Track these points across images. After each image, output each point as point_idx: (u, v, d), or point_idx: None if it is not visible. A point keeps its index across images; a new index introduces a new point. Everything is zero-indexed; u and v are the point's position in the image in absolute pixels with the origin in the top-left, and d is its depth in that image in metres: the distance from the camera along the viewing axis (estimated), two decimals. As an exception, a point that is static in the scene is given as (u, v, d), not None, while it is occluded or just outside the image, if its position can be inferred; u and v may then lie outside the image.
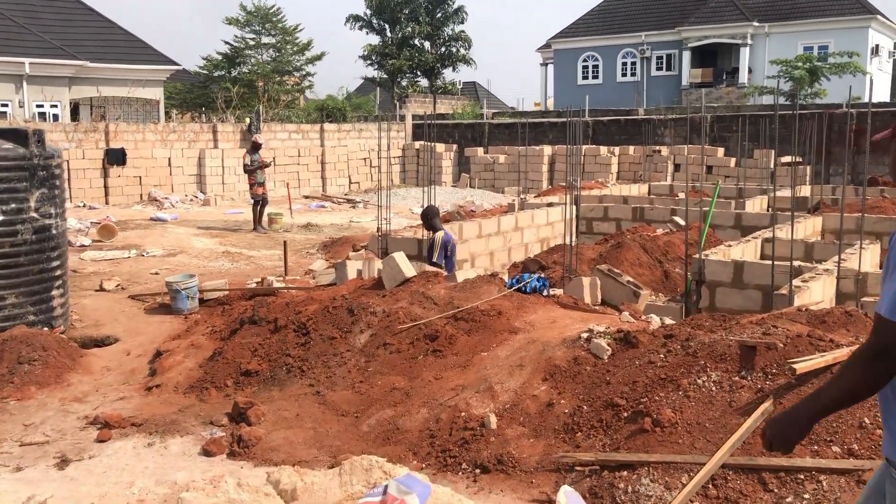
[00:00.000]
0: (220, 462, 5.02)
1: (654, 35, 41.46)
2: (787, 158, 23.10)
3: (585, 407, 4.71)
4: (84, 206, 19.92)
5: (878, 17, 37.54)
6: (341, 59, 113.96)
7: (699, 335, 4.84)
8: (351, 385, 5.74)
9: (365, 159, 27.50)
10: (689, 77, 40.32)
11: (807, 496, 3.62)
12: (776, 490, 3.69)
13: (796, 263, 7.90)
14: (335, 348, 6.17)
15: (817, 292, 7.15)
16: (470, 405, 5.05)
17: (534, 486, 4.30)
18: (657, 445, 4.12)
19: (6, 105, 26.82)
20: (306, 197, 24.22)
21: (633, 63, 42.68)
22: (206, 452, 5.17)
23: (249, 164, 16.11)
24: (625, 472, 4.02)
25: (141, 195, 21.62)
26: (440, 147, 27.77)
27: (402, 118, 30.15)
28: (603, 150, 24.79)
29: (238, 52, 40.13)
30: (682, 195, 18.40)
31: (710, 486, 3.76)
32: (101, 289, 10.08)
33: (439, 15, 43.86)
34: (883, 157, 22.15)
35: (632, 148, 25.05)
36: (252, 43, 40.38)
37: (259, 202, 16.14)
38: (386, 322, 6.24)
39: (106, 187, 20.98)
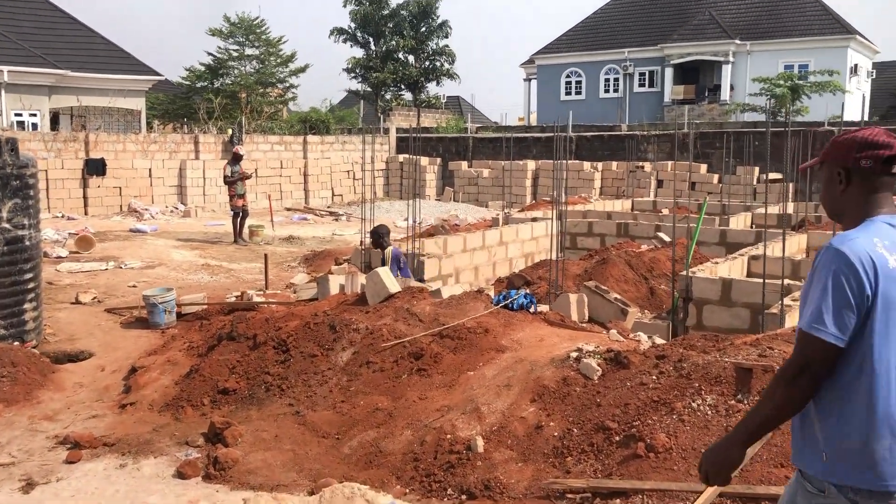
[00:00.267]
0: (195, 485, 4.82)
1: (636, 51, 41.71)
2: (771, 175, 23.22)
3: (575, 430, 4.56)
4: (62, 216, 19.59)
5: (857, 37, 37.98)
6: (325, 71, 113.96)
7: (692, 356, 4.71)
8: (332, 405, 5.56)
9: (348, 172, 27.34)
10: (672, 94, 40.56)
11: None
12: (774, 519, 3.55)
13: (785, 282, 7.81)
14: (316, 366, 5.99)
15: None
16: (456, 427, 4.89)
17: (522, 513, 4.13)
18: (651, 472, 3.97)
19: (-17, 114, 26.46)
20: (288, 209, 24.00)
21: (616, 79, 42.90)
22: (181, 475, 4.96)
23: (230, 175, 15.89)
24: (618, 500, 3.87)
25: (121, 206, 21.31)
26: (424, 160, 27.66)
27: (386, 131, 30.05)
28: (586, 165, 24.78)
29: (221, 64, 39.90)
30: (666, 211, 18.37)
31: (707, 514, 3.61)
32: (77, 301, 9.82)
33: (423, 29, 43.90)
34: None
35: (615, 163, 25.08)
36: (235, 54, 40.18)
37: (239, 214, 15.91)
38: (369, 339, 6.06)
39: (85, 198, 20.67)
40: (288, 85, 42.36)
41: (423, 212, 21.71)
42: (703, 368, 4.46)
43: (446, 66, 44.39)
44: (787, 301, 6.70)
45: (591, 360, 5.03)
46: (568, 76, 44.21)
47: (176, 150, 22.90)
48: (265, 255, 11.59)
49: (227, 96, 36.51)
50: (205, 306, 9.07)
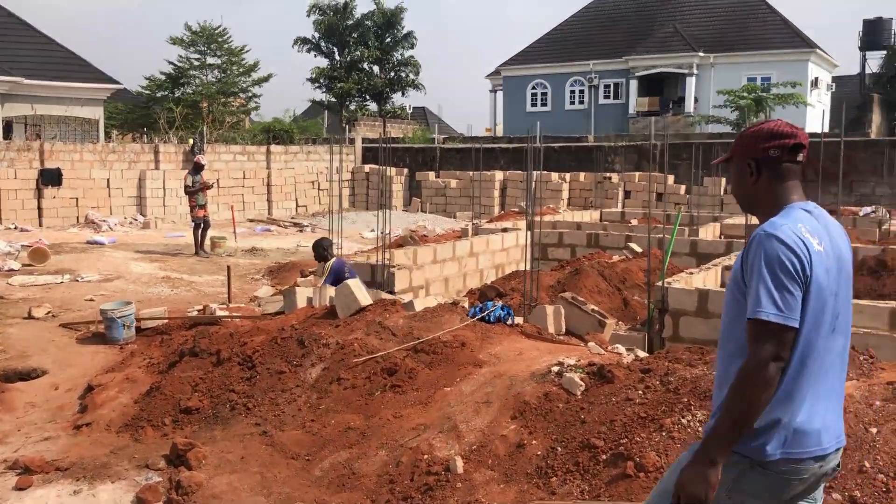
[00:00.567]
0: (155, 513, 4.50)
1: (601, 63, 41.98)
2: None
3: (560, 448, 4.34)
4: (15, 228, 18.97)
5: (817, 51, 38.62)
6: (289, 81, 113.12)
7: (679, 370, 4.53)
8: (301, 424, 5.28)
9: (313, 182, 26.97)
10: (637, 105, 40.85)
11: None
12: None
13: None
14: (284, 383, 5.70)
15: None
16: (433, 446, 4.64)
17: (506, 539, 3.90)
18: (642, 492, 3.76)
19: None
20: (251, 220, 23.57)
21: (582, 91, 43.12)
22: (141, 501, 4.65)
23: (191, 185, 15.50)
24: (608, 524, 3.65)
25: (77, 217, 20.72)
26: (391, 171, 27.40)
27: (352, 141, 29.75)
28: (554, 176, 24.74)
29: (182, 73, 39.24)
30: (635, 222, 18.35)
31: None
32: (30, 316, 9.38)
33: (388, 39, 43.70)
34: (830, 186, 22.51)
35: (582, 174, 25.08)
36: (197, 63, 39.56)
37: (200, 225, 15.51)
38: (340, 355, 5.79)
39: (40, 209, 20.06)
40: (251, 94, 41.84)
41: (391, 222, 21.46)
42: (691, 383, 4.28)
43: (412, 76, 44.25)
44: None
45: (574, 375, 4.83)
46: (534, 88, 44.35)
47: (135, 160, 22.37)
48: (227, 268, 11.24)
49: (188, 106, 35.90)
50: (166, 320, 8.72)
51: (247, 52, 40.51)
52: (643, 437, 4.04)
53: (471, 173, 25.06)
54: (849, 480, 3.46)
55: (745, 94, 31.24)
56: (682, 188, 23.10)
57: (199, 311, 9.08)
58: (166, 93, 38.43)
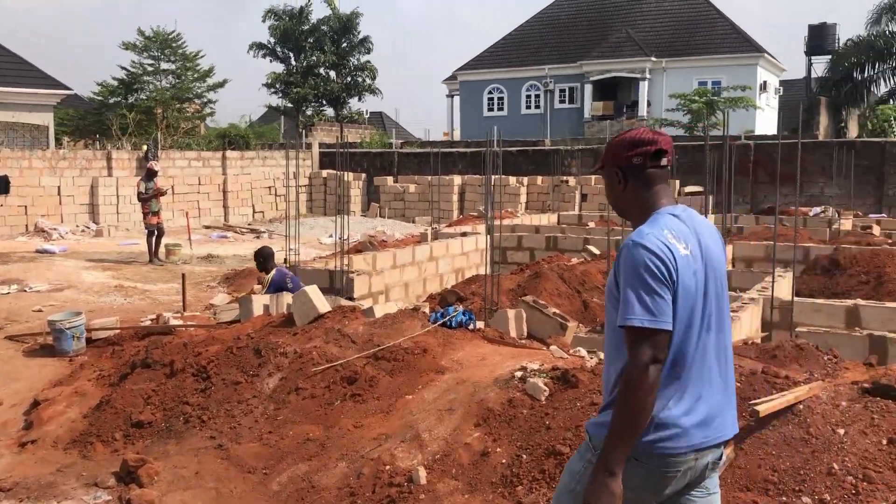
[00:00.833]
0: (105, 533, 4.31)
1: (556, 68, 42.26)
2: (690, 188, 23.63)
3: (525, 456, 4.25)
4: (-40, 237, 18.38)
5: (765, 55, 39.36)
6: (245, 87, 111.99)
7: (643, 373, 4.47)
8: (258, 436, 5.11)
9: (269, 188, 26.62)
10: (591, 110, 41.19)
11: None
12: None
13: (720, 292, 7.73)
14: (240, 394, 5.53)
15: (746, 322, 6.98)
16: (395, 457, 4.52)
17: (471, 550, 3.79)
18: (609, 499, 3.69)
19: None
20: (207, 227, 23.16)
21: (537, 95, 43.35)
22: (89, 521, 4.45)
23: (144, 192, 15.15)
24: (576, 533, 3.56)
25: (27, 226, 20.13)
26: (349, 176, 27.18)
27: (309, 146, 29.44)
28: (512, 180, 24.78)
29: (135, 79, 38.50)
30: (592, 224, 18.42)
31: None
32: (-27, 329, 9.04)
33: (345, 45, 43.43)
34: (780, 187, 22.86)
35: (539, 178, 25.16)
36: (150, 69, 38.85)
37: (154, 233, 15.16)
38: (298, 364, 5.64)
39: (-14, 217, 19.46)
40: (206, 100, 41.22)
41: (350, 228, 21.25)
42: (656, 386, 4.22)
43: (368, 81, 44.00)
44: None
45: (538, 380, 4.75)
46: (490, 92, 44.47)
47: (87, 167, 21.83)
48: (182, 275, 10.99)
49: (141, 112, 35.22)
50: (117, 331, 8.45)
51: (201, 57, 39.94)
52: (609, 443, 3.97)
53: (429, 178, 24.98)
54: (818, 483, 3.43)
55: (697, 98, 31.70)
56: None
57: (152, 320, 8.83)
58: (119, 99, 37.65)
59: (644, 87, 40.25)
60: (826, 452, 3.54)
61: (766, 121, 39.21)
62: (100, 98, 38.01)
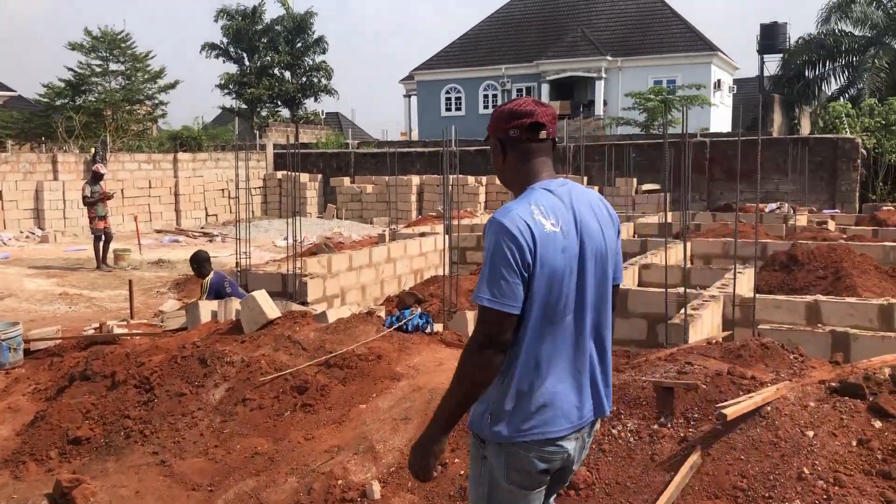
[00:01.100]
0: (35, 562, 4.00)
1: (513, 68, 42.25)
2: (647, 186, 23.73)
3: (484, 466, 4.04)
4: None
5: (719, 54, 39.81)
6: (198, 88, 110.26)
7: (606, 376, 4.30)
8: (204, 451, 4.83)
9: (223, 190, 26.10)
10: (549, 109, 41.20)
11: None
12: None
13: (680, 290, 7.63)
14: (185, 407, 5.24)
15: (707, 320, 6.87)
16: (348, 470, 4.28)
17: (429, 569, 3.58)
18: (572, 511, 3.50)
19: None
20: (159, 231, 22.60)
21: (495, 95, 43.29)
22: (18, 548, 4.14)
23: (89, 195, 14.65)
24: (538, 549, 3.37)
25: (-33, 232, 19.42)
26: (304, 177, 26.80)
27: (263, 147, 28.94)
28: (471, 179, 24.63)
29: (83, 80, 37.49)
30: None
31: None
32: None
33: (299, 45, 42.90)
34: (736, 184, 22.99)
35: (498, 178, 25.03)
36: (99, 70, 37.88)
37: (101, 237, 14.68)
38: (245, 373, 5.36)
39: (-77, 224, 18.70)
40: (157, 102, 40.33)
41: (305, 230, 20.88)
42: (620, 390, 4.05)
43: (324, 81, 43.54)
44: (689, 310, 6.46)
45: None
46: (447, 92, 44.30)
47: (31, 171, 21.13)
48: (130, 282, 10.63)
49: (90, 114, 34.31)
50: (59, 341, 8.08)
51: (152, 58, 39.07)
52: (572, 451, 3.78)
53: (387, 178, 24.72)
54: (788, 489, 3.28)
55: (653, 97, 31.92)
56: (596, 189, 23.32)
57: (95, 329, 8.46)
58: (66, 100, 36.66)
59: (600, 86, 40.43)
60: (796, 456, 3.39)
61: (720, 119, 39.67)
62: (46, 100, 36.95)
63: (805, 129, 34.72)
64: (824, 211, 20.69)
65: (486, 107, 43.43)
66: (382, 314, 6.50)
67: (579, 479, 3.57)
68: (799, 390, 3.71)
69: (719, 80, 40.28)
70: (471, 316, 6.57)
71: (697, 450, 3.50)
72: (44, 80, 39.99)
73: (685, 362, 4.19)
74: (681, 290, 7.61)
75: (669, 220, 18.04)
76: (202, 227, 23.76)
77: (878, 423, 3.50)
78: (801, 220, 16.42)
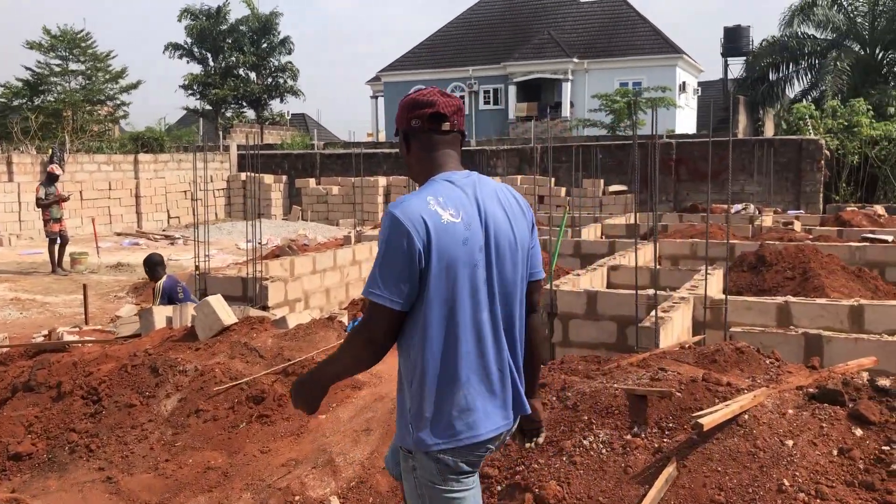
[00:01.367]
0: (-34, 590, 3.72)
1: (480, 69, 42.17)
2: (615, 187, 23.73)
3: (449, 480, 3.83)
4: None
5: (684, 56, 40.10)
6: (162, 89, 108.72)
7: (576, 383, 4.12)
8: (153, 466, 4.56)
9: (185, 192, 25.62)
10: (516, 111, 41.23)
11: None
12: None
13: (650, 291, 7.50)
14: (134, 419, 4.96)
15: (678, 322, 6.74)
16: (305, 485, 4.05)
17: (390, 591, 3.36)
18: (542, 528, 3.31)
19: None
20: (119, 234, 22.08)
21: (462, 97, 43.13)
22: (-51, 575, 3.84)
23: (43, 197, 14.21)
24: (507, 569, 3.18)
25: (-84, 236, 18.79)
26: (268, 178, 26.40)
27: (227, 148, 28.48)
28: (437, 180, 24.43)
29: (42, 79, 36.69)
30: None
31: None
32: None
33: (265, 45, 42.45)
34: (702, 185, 23.06)
35: (466, 178, 24.90)
36: (58, 69, 37.07)
37: (57, 240, 14.24)
38: (199, 382, 5.09)
39: None
40: (119, 102, 39.58)
41: (269, 232, 20.54)
42: (590, 398, 3.87)
43: (290, 82, 43.14)
44: (659, 313, 6.32)
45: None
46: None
47: (-15, 173, 20.54)
48: (84, 286, 10.26)
49: (49, 114, 33.54)
50: (6, 349, 7.70)
51: (113, 57, 38.37)
52: (541, 464, 3.59)
53: (353, 179, 24.43)
54: (768, 502, 3.11)
55: (619, 99, 32.02)
56: (563, 190, 23.27)
57: (45, 336, 8.11)
58: (24, 101, 35.83)
59: (567, 88, 40.49)
60: (775, 467, 3.23)
61: (685, 120, 39.95)
62: (3, 100, 36.13)
63: (769, 130, 35.05)
64: (789, 212, 20.83)
65: (453, 108, 43.27)
66: (345, 319, 6.27)
67: (549, 494, 3.38)
68: (776, 397, 3.55)
69: (684, 83, 40.56)
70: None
71: (673, 461, 3.32)
72: (0, 80, 38.96)
73: (658, 368, 4.02)
74: (651, 291, 7.48)
75: (637, 221, 18.04)
76: (164, 230, 23.28)
77: (858, 431, 3.36)
78: (767, 220, 16.47)
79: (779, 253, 10.24)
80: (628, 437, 3.56)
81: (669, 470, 3.27)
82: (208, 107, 42.53)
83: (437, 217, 2.21)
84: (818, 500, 3.08)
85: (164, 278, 8.23)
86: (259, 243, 9.27)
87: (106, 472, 4.61)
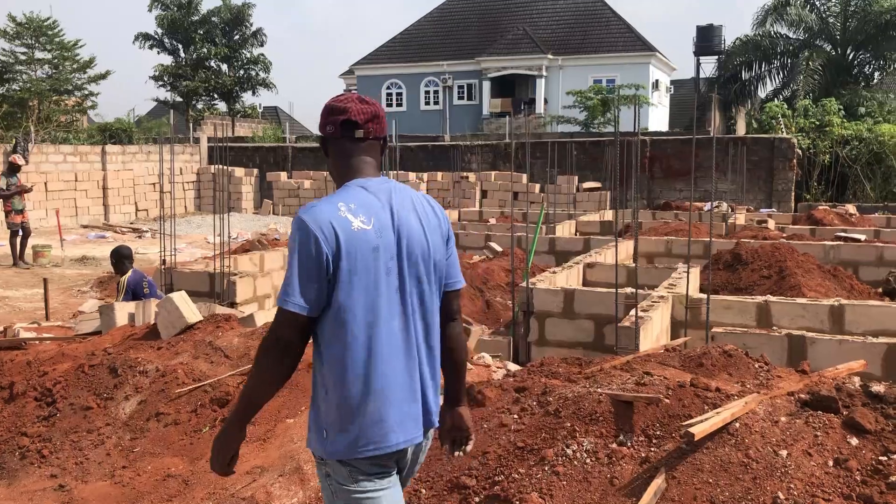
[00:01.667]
0: None
1: (454, 64, 41.98)
2: (588, 184, 23.64)
3: (423, 490, 3.63)
4: None
5: (657, 54, 40.22)
6: (133, 79, 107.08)
7: (557, 387, 3.93)
8: (110, 473, 4.31)
9: (154, 184, 25.12)
10: (490, 107, 41.09)
11: None
12: None
13: (629, 290, 7.35)
14: (91, 422, 4.69)
15: (657, 322, 6.59)
16: (271, 495, 3.82)
17: None
18: (523, 543, 3.12)
19: None
20: (85, 226, 21.57)
21: (436, 91, 42.94)
22: None
23: (5, 188, 13.77)
24: (486, 588, 2.98)
25: None
26: (239, 171, 25.98)
27: (197, 140, 27.98)
28: (412, 175, 24.22)
29: (6, 68, 35.83)
30: (493, 220, 18.04)
31: None
32: None
33: (237, 37, 41.84)
34: (675, 183, 23.10)
35: (440, 174, 24.73)
36: (23, 58, 36.23)
37: (19, 233, 13.81)
38: (160, 384, 4.84)
39: None
40: (87, 93, 38.78)
41: (240, 226, 20.18)
42: (573, 403, 3.68)
43: (262, 75, 42.57)
44: (639, 312, 6.16)
45: (438, 398, 4.13)
46: (388, 87, 43.76)
47: (-56, 163, 19.92)
48: (45, 280, 9.89)
49: (13, 103, 32.76)
50: (-41, 346, 7.36)
51: (81, 46, 37.56)
52: (522, 473, 3.39)
53: (325, 173, 24.08)
54: (762, 516, 2.95)
55: (593, 95, 31.98)
56: (537, 187, 23.15)
57: (0, 332, 7.76)
58: (-13, 89, 35.01)
59: (541, 84, 40.43)
60: (769, 479, 3.07)
61: (658, 118, 40.07)
62: (-35, 89, 35.25)
63: (741, 129, 35.23)
64: (761, 210, 20.89)
65: (427, 103, 43.06)
66: (315, 317, 6.03)
67: (531, 507, 3.18)
68: (768, 404, 3.39)
69: (657, 81, 40.67)
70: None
71: (661, 472, 3.15)
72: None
73: (643, 372, 3.85)
74: (629, 290, 7.34)
75: (610, 218, 17.99)
76: (131, 223, 22.80)
77: (854, 441, 3.20)
78: (740, 218, 16.45)
79: (755, 251, 10.17)
80: (614, 445, 3.38)
81: (658, 482, 3.09)
82: (179, 98, 41.85)
83: (346, 223, 2.19)
84: (814, 514, 2.92)
85: (129, 272, 7.89)
86: (229, 237, 8.98)
87: (59, 479, 4.34)
